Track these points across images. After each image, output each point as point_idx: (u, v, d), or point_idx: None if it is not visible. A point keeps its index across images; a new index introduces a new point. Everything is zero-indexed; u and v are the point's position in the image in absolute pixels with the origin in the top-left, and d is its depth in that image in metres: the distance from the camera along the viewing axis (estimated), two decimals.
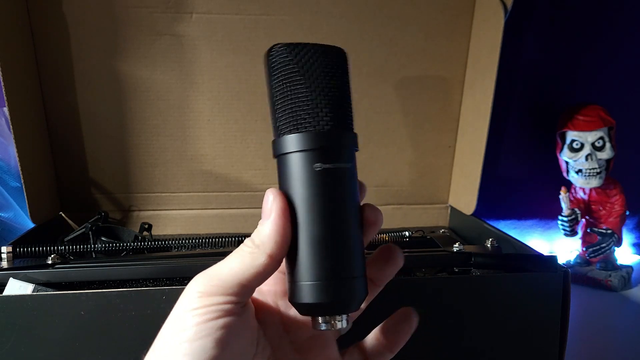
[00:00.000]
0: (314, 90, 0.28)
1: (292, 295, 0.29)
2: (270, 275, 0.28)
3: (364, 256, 0.30)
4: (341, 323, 0.29)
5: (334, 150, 0.28)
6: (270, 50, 0.30)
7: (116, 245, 0.59)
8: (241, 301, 0.27)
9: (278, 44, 0.29)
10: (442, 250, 0.56)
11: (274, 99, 0.29)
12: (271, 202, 0.28)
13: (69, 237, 0.63)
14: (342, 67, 0.30)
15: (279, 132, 0.29)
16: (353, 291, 0.28)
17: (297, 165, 0.28)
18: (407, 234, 0.67)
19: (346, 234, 0.29)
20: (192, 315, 0.26)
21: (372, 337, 0.34)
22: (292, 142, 0.28)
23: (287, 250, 0.28)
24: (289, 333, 0.32)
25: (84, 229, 0.63)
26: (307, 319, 0.30)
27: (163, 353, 0.26)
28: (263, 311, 0.31)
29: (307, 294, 0.28)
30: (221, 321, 0.26)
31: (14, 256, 0.53)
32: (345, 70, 0.30)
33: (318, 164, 0.28)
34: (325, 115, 0.28)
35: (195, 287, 0.27)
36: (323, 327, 0.29)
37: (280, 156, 0.29)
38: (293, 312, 0.31)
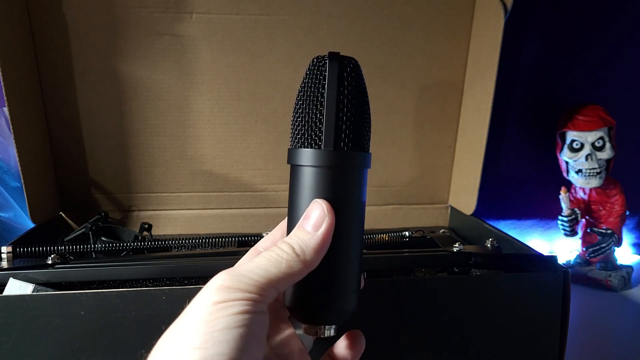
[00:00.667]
0: (329, 109, 0.29)
1: (290, 300, 0.30)
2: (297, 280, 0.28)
3: (360, 273, 0.32)
4: (330, 331, 0.30)
5: (340, 169, 0.30)
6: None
7: (116, 245, 0.59)
8: (265, 302, 0.27)
9: (321, 55, 0.31)
10: (442, 250, 0.56)
11: (295, 108, 0.30)
12: (324, 215, 0.28)
13: (69, 237, 0.63)
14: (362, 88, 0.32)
15: (294, 143, 0.30)
16: (350, 305, 0.30)
17: (341, 182, 0.29)
18: (407, 234, 0.67)
19: (352, 252, 0.30)
20: (208, 304, 0.25)
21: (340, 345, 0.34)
22: (336, 158, 0.29)
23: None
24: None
25: (84, 229, 0.63)
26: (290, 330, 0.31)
27: (175, 345, 0.25)
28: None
29: (305, 303, 0.29)
30: (244, 316, 0.25)
31: (14, 256, 0.53)
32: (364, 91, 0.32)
33: (358, 184, 0.31)
34: (338, 135, 0.29)
35: (217, 282, 0.26)
36: (313, 333, 0.30)
37: (312, 167, 0.29)
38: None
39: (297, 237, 0.28)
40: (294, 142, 0.30)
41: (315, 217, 0.28)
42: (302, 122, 0.30)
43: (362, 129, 0.30)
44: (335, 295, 0.29)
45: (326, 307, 0.29)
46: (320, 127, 0.29)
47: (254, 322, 0.25)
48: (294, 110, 0.31)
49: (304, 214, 0.29)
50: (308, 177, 0.29)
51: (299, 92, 0.30)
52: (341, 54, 0.30)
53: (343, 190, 0.29)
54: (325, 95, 0.29)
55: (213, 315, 0.25)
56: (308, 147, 0.29)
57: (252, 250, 0.34)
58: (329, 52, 0.30)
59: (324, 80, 0.29)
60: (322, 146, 0.29)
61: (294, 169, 0.30)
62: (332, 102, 0.29)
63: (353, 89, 0.29)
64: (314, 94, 0.29)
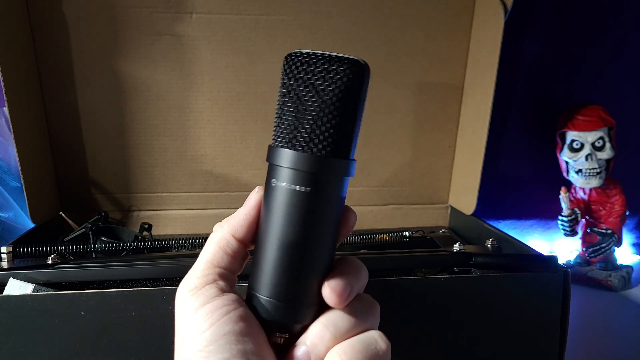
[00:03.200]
0: (309, 108, 0.27)
1: (248, 302, 0.29)
2: (235, 255, 0.30)
3: (320, 289, 0.28)
4: (280, 340, 0.29)
5: (315, 176, 0.27)
6: (286, 55, 0.29)
7: (116, 245, 0.59)
8: (219, 280, 0.29)
9: (295, 51, 0.28)
10: (442, 250, 0.56)
11: (277, 105, 0.29)
12: (254, 193, 0.30)
13: (69, 237, 0.63)
14: (351, 87, 0.27)
15: (275, 140, 0.29)
16: (298, 316, 0.28)
17: (277, 179, 0.28)
18: (407, 234, 0.67)
19: (308, 264, 0.28)
20: (195, 317, 0.27)
21: None
22: (278, 155, 0.28)
23: (252, 237, 0.30)
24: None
25: (84, 229, 0.63)
26: None
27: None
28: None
29: (255, 306, 0.28)
30: (234, 313, 0.27)
31: (14, 256, 0.53)
32: (355, 90, 0.28)
33: (295, 186, 0.27)
34: (317, 138, 0.27)
35: (183, 288, 0.29)
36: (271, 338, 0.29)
37: (270, 163, 0.29)
38: None
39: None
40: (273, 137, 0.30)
41: (249, 196, 0.30)
42: (281, 119, 0.29)
43: (335, 134, 0.28)
44: (286, 298, 0.28)
45: (267, 310, 0.28)
46: (289, 124, 0.28)
47: (242, 315, 0.27)
48: (280, 104, 0.29)
49: None
50: (270, 174, 0.30)
51: (287, 87, 0.28)
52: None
53: (269, 179, 0.29)
54: (321, 92, 0.28)
55: (204, 318, 0.27)
56: (277, 145, 0.29)
57: None
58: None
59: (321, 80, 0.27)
60: (287, 144, 0.29)
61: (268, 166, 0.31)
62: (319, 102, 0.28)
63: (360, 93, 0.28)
64: (301, 89, 0.28)
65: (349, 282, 0.28)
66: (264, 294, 0.28)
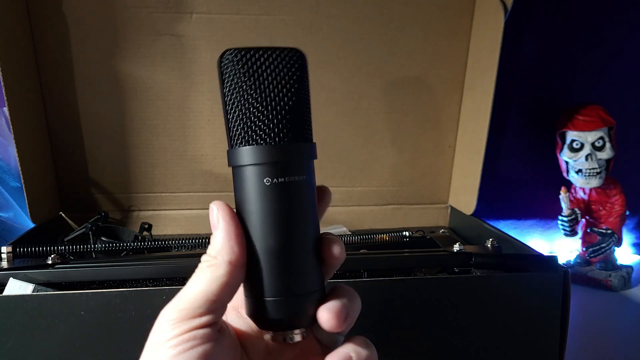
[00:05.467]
0: (264, 100, 0.27)
1: (249, 309, 0.29)
2: (237, 285, 0.27)
3: (320, 269, 0.29)
4: (298, 336, 0.28)
5: (285, 164, 0.27)
6: (221, 56, 0.29)
7: (116, 245, 0.59)
8: (214, 321, 0.26)
9: (229, 49, 0.29)
10: (442, 250, 0.56)
11: (227, 108, 0.28)
12: (216, 213, 0.28)
13: (69, 237, 0.63)
14: (297, 73, 0.29)
15: (232, 143, 0.28)
16: (306, 307, 0.28)
17: (249, 179, 0.27)
18: (407, 234, 0.67)
19: (300, 247, 0.28)
20: (166, 347, 0.25)
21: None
22: (243, 154, 0.27)
23: (245, 257, 0.27)
24: (271, 354, 0.31)
25: (84, 229, 0.63)
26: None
27: None
28: (245, 339, 0.30)
29: (262, 310, 0.28)
30: (199, 349, 0.25)
31: (14, 256, 0.53)
32: (302, 76, 0.29)
33: (267, 179, 0.27)
34: (277, 126, 0.27)
35: (165, 316, 0.26)
36: (280, 340, 0.29)
37: (234, 168, 0.28)
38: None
39: (210, 244, 0.28)
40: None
41: (212, 219, 0.28)
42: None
43: (259, 117, 0.28)
44: (290, 296, 0.27)
45: (278, 309, 0.27)
46: (227, 125, 0.28)
47: (210, 348, 0.25)
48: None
49: None
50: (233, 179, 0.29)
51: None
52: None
53: (255, 188, 0.27)
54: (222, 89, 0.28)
55: (171, 352, 0.25)
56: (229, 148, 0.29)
57: None
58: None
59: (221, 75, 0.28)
60: (231, 144, 0.28)
61: None
62: (223, 97, 0.28)
63: (239, 77, 0.28)
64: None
65: (345, 305, 0.28)
66: (270, 295, 0.28)
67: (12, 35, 0.61)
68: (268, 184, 0.27)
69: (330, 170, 0.76)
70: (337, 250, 0.29)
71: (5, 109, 0.59)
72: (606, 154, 0.80)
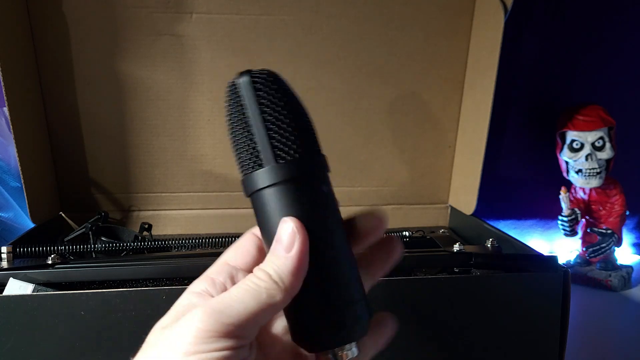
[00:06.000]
0: (273, 125, 0.27)
1: (297, 334, 0.27)
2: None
3: (359, 277, 0.28)
4: (352, 352, 0.27)
5: (324, 174, 0.28)
6: (234, 86, 0.28)
7: (116, 245, 0.59)
8: (246, 343, 0.24)
9: (235, 81, 0.28)
10: (442, 250, 0.56)
11: (238, 136, 0.28)
12: (293, 234, 0.25)
13: (69, 237, 0.63)
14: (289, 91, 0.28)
15: (261, 163, 0.27)
16: (360, 317, 0.27)
17: (303, 192, 0.27)
18: (407, 234, 0.67)
19: (348, 259, 0.27)
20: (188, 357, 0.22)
21: None
22: (287, 170, 0.26)
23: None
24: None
25: (84, 229, 0.63)
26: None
27: None
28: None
29: (315, 331, 0.27)
30: None
31: (14, 256, 0.53)
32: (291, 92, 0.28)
33: (325, 187, 0.27)
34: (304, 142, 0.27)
35: (193, 323, 0.23)
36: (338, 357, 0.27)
37: (269, 187, 0.27)
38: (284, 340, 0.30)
39: (272, 263, 0.25)
40: (242, 171, 0.28)
41: (286, 238, 0.25)
42: (241, 148, 0.28)
43: (301, 133, 0.27)
44: (341, 309, 0.27)
45: (335, 325, 0.26)
46: (255, 146, 0.27)
47: None
48: (231, 140, 0.28)
49: (275, 237, 0.26)
50: (268, 199, 0.27)
51: (227, 122, 0.28)
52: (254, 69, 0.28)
53: (309, 200, 0.27)
54: (249, 110, 0.27)
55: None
56: (255, 170, 0.27)
57: (220, 264, 0.29)
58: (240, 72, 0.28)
59: (242, 98, 0.27)
60: (264, 163, 0.27)
61: (254, 199, 0.28)
62: (257, 116, 0.27)
63: (273, 96, 0.27)
64: (238, 115, 0.27)
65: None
66: (322, 313, 0.27)
67: (12, 35, 0.61)
68: (325, 191, 0.28)
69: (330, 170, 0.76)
70: (372, 221, 0.28)
71: (5, 109, 0.59)
72: (606, 154, 0.80)
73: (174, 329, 0.24)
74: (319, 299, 0.26)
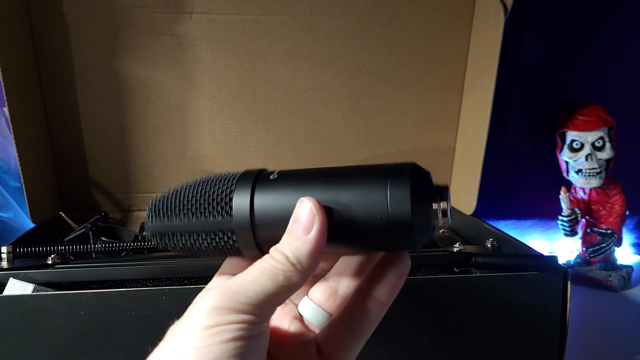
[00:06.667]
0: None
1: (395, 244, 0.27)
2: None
3: None
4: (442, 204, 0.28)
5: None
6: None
7: (116, 245, 0.59)
8: (263, 321, 0.24)
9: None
10: (442, 250, 0.56)
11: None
12: (312, 215, 0.25)
13: (69, 237, 0.63)
14: None
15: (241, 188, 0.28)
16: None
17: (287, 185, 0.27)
18: None
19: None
20: (204, 335, 0.22)
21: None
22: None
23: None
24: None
25: (84, 229, 0.63)
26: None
27: None
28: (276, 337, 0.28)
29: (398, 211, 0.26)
30: (237, 344, 0.22)
31: (14, 256, 0.53)
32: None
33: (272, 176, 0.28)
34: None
35: (209, 301, 0.23)
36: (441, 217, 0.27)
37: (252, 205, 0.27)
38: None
39: (289, 244, 0.25)
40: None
41: (305, 218, 0.25)
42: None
43: None
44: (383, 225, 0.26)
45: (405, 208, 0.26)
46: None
47: (249, 348, 0.23)
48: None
49: (292, 217, 0.25)
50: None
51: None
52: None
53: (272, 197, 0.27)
54: None
55: (204, 342, 0.22)
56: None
57: (218, 275, 0.30)
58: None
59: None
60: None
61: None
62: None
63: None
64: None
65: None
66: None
67: (12, 35, 0.61)
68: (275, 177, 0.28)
69: None
70: None
71: (5, 109, 0.59)
72: (606, 154, 0.80)
73: (190, 309, 0.24)
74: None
